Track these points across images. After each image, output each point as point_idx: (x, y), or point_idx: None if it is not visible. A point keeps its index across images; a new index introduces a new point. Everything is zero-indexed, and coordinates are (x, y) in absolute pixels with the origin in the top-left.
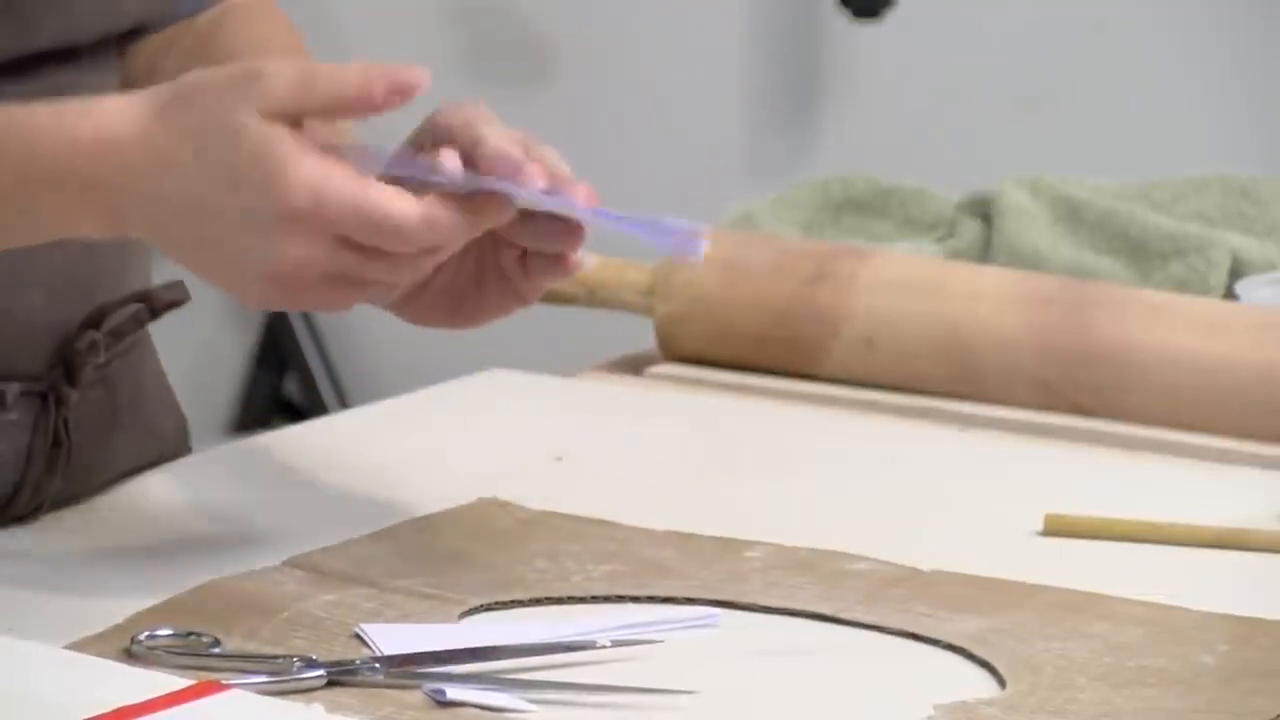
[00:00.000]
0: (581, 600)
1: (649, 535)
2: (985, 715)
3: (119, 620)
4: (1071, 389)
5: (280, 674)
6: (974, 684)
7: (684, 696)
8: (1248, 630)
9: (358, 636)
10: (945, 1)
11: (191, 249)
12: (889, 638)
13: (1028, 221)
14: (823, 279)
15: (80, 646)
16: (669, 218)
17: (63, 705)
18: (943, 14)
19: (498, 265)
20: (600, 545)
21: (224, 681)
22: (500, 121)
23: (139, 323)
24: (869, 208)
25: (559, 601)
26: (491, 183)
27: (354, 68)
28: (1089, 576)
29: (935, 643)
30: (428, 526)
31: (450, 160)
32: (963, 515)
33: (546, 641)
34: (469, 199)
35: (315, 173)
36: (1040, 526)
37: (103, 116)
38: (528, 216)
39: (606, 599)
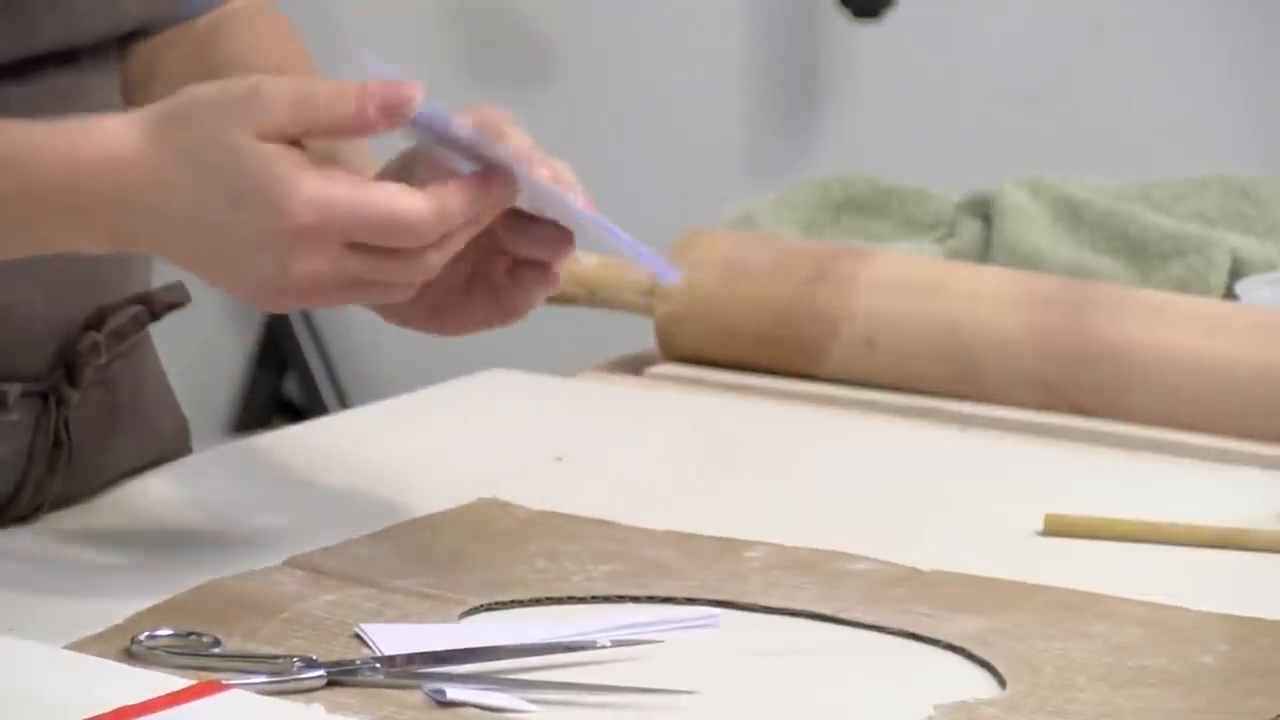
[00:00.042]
0: (581, 600)
1: (649, 535)
2: (985, 715)
3: (119, 620)
4: (1071, 389)
5: (280, 674)
6: (974, 684)
7: (684, 696)
8: (1248, 630)
9: (358, 636)
10: (945, 1)
11: (201, 264)
12: (889, 638)
13: (1028, 221)
14: (823, 279)
15: (80, 646)
16: (651, 251)
17: (63, 705)
18: (943, 14)
19: (488, 275)
20: (600, 545)
21: (224, 681)
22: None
23: (140, 324)
24: (869, 208)
25: (559, 601)
26: (500, 151)
27: (350, 88)
28: (1089, 576)
29: (935, 643)
30: (428, 526)
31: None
32: (963, 515)
33: (546, 641)
34: (473, 182)
35: (317, 186)
36: (1040, 526)
37: (102, 135)
38: (522, 222)
39: (606, 599)
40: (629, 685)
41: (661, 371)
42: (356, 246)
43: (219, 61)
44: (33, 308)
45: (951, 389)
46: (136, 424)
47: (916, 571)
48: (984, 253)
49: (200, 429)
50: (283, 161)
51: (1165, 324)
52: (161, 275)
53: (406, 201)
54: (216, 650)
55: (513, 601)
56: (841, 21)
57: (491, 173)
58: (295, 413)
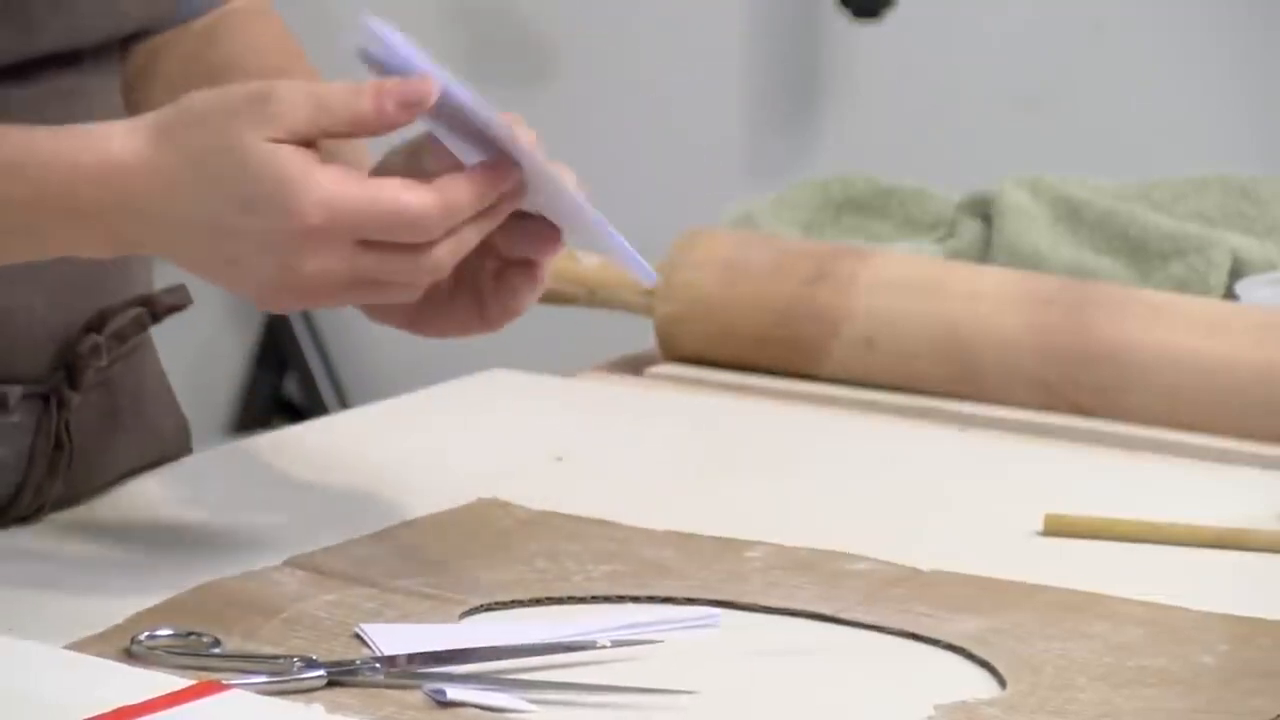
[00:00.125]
0: (581, 600)
1: (649, 535)
2: (985, 715)
3: (119, 620)
4: (1071, 389)
5: (280, 674)
6: (974, 684)
7: (684, 696)
8: (1248, 630)
9: (358, 636)
10: (945, 1)
11: (208, 266)
12: (889, 638)
13: (1028, 221)
14: (823, 279)
15: (80, 646)
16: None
17: (63, 705)
18: (943, 14)
19: (475, 278)
20: (600, 545)
21: (224, 681)
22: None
23: (141, 326)
24: (869, 208)
25: (559, 601)
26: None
27: (365, 87)
28: (1089, 576)
29: (935, 643)
30: (428, 526)
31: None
32: (963, 515)
33: (546, 641)
34: (478, 174)
35: (326, 187)
36: (1040, 526)
37: (104, 141)
38: (511, 218)
39: (606, 599)
40: (629, 685)
41: (661, 371)
42: (367, 244)
43: (217, 62)
44: (34, 310)
45: (951, 389)
46: (137, 425)
47: (916, 571)
48: (984, 253)
49: (200, 429)
50: (295, 163)
51: (1165, 324)
52: (164, 277)
53: (411, 196)
54: (216, 650)
55: (513, 601)
56: (841, 21)
57: (499, 163)
58: (295, 413)
